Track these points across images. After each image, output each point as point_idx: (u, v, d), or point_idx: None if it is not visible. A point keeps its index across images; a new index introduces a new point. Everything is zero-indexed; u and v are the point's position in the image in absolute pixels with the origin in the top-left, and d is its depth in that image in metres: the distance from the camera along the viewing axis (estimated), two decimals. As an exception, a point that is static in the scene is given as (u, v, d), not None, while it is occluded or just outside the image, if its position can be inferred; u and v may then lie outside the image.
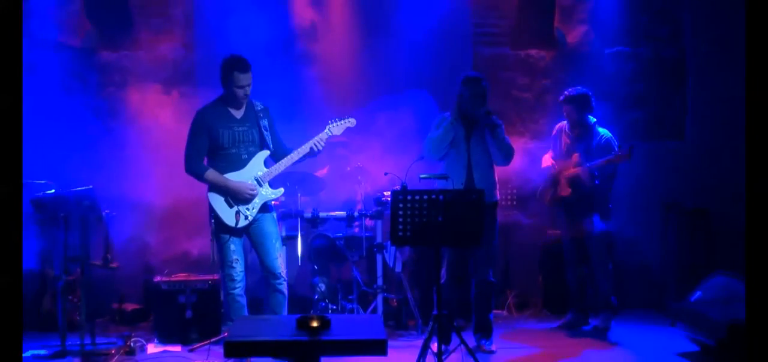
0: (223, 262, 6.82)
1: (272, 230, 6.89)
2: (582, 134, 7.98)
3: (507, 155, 7.23)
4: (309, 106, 8.84)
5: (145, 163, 8.48)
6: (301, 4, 9.25)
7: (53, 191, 7.35)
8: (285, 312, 6.97)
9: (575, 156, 7.91)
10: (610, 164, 7.71)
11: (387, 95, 8.93)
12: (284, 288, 6.90)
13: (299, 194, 8.05)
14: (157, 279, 7.93)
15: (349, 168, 8.34)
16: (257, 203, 6.78)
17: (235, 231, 6.76)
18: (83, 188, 7.19)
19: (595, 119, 8.01)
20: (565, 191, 7.99)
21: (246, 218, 6.74)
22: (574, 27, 9.68)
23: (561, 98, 8.05)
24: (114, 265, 7.47)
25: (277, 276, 6.83)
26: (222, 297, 7.35)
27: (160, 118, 7.99)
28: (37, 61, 8.63)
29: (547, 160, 8.23)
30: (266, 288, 6.92)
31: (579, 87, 8.04)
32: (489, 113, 7.09)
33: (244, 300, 6.87)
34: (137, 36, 9.13)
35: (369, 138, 8.42)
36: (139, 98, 8.64)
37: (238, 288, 6.79)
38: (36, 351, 7.24)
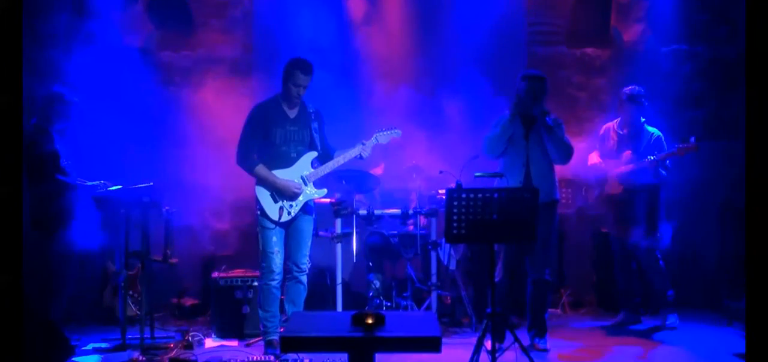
0: (263, 252, 6.99)
1: (308, 229, 7.15)
2: (633, 132, 7.98)
3: (565, 154, 7.15)
4: (363, 101, 8.93)
5: (205, 161, 8.56)
6: (356, 3, 9.29)
7: (118, 187, 7.33)
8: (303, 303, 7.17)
9: (626, 154, 7.90)
10: (674, 156, 7.70)
11: (441, 94, 8.92)
12: (306, 280, 7.14)
13: (355, 192, 8.10)
14: (215, 274, 7.98)
15: (404, 166, 8.35)
16: (301, 201, 6.99)
17: (277, 224, 6.95)
18: (144, 185, 7.24)
19: (644, 119, 7.99)
20: (616, 189, 7.97)
21: (289, 213, 6.95)
22: (631, 25, 9.58)
23: (624, 96, 7.97)
24: (173, 261, 7.51)
25: (302, 270, 7.09)
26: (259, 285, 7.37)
27: (220, 116, 8.03)
28: (100, 62, 8.63)
29: (593, 158, 8.19)
30: (289, 280, 7.09)
31: (638, 86, 7.98)
32: (545, 113, 7.02)
33: (278, 292, 7.04)
34: (197, 36, 9.25)
35: (424, 135, 8.50)
36: (199, 97, 8.72)
37: (276, 281, 6.99)
38: (97, 344, 7.34)
